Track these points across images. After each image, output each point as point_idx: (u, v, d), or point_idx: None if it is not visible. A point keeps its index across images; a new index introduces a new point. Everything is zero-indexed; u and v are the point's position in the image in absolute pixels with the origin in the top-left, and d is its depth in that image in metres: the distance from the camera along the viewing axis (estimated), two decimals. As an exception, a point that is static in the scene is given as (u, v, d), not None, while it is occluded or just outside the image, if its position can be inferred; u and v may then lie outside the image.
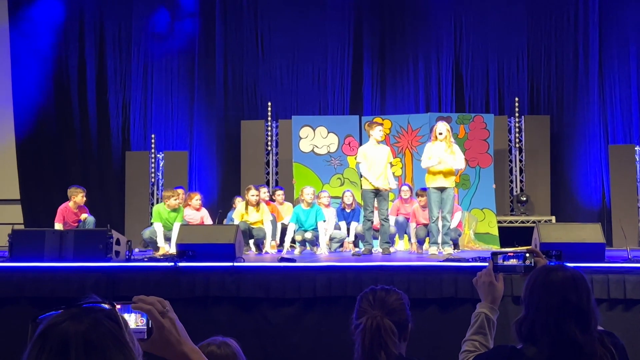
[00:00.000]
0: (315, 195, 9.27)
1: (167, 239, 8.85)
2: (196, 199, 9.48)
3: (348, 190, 9.91)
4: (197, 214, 9.40)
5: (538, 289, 2.21)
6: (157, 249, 8.79)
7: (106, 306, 1.25)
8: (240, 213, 9.03)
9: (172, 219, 8.89)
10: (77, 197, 8.86)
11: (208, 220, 9.45)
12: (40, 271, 6.26)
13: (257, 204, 8.99)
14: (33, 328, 1.20)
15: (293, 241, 9.01)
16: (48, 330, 1.17)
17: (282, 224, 9.54)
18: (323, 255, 8.34)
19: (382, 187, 8.10)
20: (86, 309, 1.22)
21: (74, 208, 8.88)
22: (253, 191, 8.96)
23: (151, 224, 9.20)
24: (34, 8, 12.50)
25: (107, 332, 1.19)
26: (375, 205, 8.33)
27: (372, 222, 8.39)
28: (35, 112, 12.57)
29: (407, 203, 9.57)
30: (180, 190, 9.28)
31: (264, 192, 9.63)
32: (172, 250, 8.09)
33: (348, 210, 9.70)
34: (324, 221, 8.90)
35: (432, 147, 7.97)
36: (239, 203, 9.59)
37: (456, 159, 7.92)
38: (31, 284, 6.14)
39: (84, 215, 8.91)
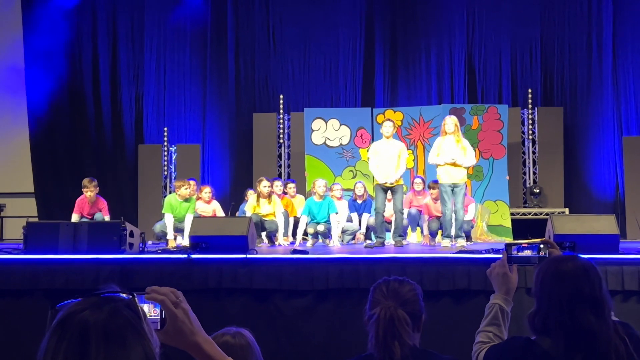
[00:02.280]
0: (327, 188, 9.26)
1: (179, 230, 8.86)
2: (206, 191, 9.47)
3: (359, 182, 9.90)
4: (209, 206, 9.42)
5: (549, 281, 2.21)
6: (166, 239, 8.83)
7: (125, 296, 1.25)
8: (252, 205, 9.02)
9: (184, 210, 8.87)
10: (86, 191, 8.86)
11: (220, 213, 9.47)
12: (55, 263, 6.29)
13: (269, 195, 8.97)
14: (52, 315, 1.21)
15: (305, 233, 9.01)
16: (68, 318, 1.18)
17: (295, 217, 9.52)
18: (335, 248, 8.35)
19: (392, 183, 8.06)
20: (105, 298, 1.22)
21: (89, 201, 8.92)
22: (265, 182, 8.94)
23: (163, 215, 9.22)
24: (47, 3, 12.55)
25: (126, 321, 1.19)
26: (389, 197, 8.33)
27: (384, 215, 8.37)
28: (49, 105, 12.63)
29: (419, 195, 9.54)
30: (192, 182, 9.27)
31: (277, 186, 9.58)
32: (185, 242, 8.12)
33: (359, 202, 9.69)
34: (336, 213, 8.91)
35: (443, 143, 7.94)
36: (251, 196, 9.59)
37: (467, 155, 7.88)
38: (46, 276, 6.17)
39: (99, 215, 8.93)
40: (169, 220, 8.84)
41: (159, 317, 1.44)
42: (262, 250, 7.45)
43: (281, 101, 12.41)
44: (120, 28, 13.01)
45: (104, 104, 12.92)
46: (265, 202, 8.94)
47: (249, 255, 6.23)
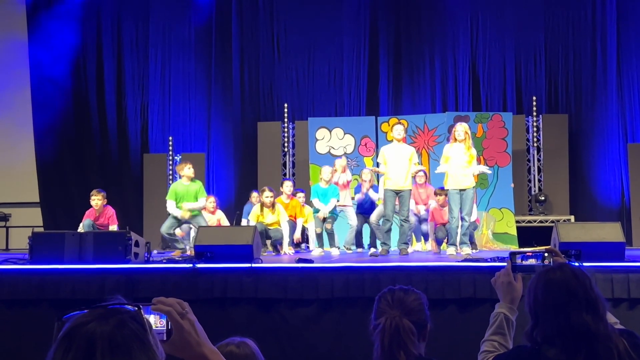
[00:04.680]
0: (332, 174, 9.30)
1: (185, 222, 8.76)
2: (210, 202, 9.46)
3: (366, 168, 9.80)
4: (213, 217, 9.42)
5: (542, 291, 2.23)
6: (174, 246, 8.76)
7: (131, 308, 1.26)
8: (255, 214, 9.01)
9: (192, 193, 8.69)
10: (92, 199, 8.84)
11: (225, 223, 9.47)
12: (60, 273, 6.31)
13: (272, 205, 8.95)
14: (58, 327, 1.21)
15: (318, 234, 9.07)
16: (74, 330, 1.18)
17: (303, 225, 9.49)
18: (338, 254, 8.35)
19: (403, 187, 8.06)
20: (111, 310, 1.23)
21: (96, 211, 8.87)
22: (267, 192, 8.91)
23: (168, 215, 9.01)
24: (52, 13, 12.61)
25: (132, 333, 1.19)
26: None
27: (392, 223, 8.33)
28: (54, 115, 12.68)
29: (421, 188, 9.41)
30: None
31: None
32: (192, 233, 8.07)
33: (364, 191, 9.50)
34: (337, 200, 9.04)
35: (450, 149, 7.94)
36: (255, 198, 9.57)
37: (472, 164, 7.89)
38: (51, 286, 6.19)
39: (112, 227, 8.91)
40: (171, 207, 8.67)
41: (165, 328, 1.44)
42: (267, 259, 7.44)
43: (285, 110, 12.43)
44: (125, 37, 13.06)
45: (109, 114, 12.96)
46: (269, 212, 8.93)
47: (254, 265, 6.23)
